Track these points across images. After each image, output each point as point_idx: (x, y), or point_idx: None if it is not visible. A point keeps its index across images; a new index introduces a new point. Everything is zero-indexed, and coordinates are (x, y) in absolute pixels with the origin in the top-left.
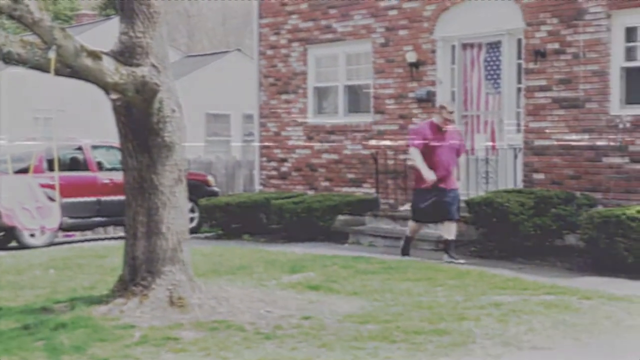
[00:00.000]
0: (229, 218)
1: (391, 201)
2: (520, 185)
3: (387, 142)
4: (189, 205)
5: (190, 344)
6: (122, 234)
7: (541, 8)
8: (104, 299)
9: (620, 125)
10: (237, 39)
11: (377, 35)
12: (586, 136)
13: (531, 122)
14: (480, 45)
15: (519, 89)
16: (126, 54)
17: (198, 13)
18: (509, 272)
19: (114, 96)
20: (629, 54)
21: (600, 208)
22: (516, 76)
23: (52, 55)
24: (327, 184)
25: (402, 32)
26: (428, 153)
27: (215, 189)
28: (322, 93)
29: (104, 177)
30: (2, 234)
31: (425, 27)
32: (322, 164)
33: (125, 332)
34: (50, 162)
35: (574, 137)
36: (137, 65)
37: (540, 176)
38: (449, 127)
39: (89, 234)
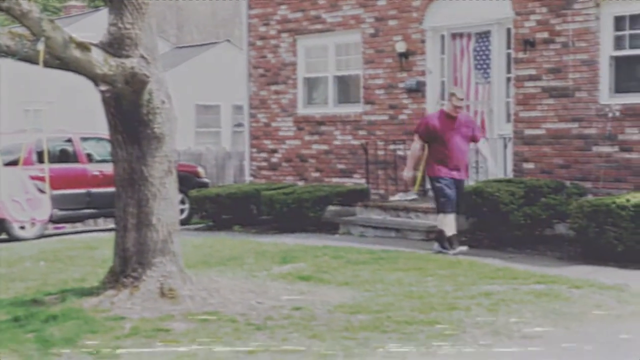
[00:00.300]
0: (220, 209)
1: (381, 191)
2: (510, 174)
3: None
4: (179, 196)
5: (181, 335)
6: (112, 225)
7: None
8: (95, 291)
9: (610, 114)
10: (227, 30)
11: (367, 26)
12: (576, 125)
13: (521, 111)
14: (469, 35)
15: (508, 79)
16: (115, 45)
17: (187, 4)
18: (499, 262)
19: (103, 87)
20: (618, 42)
21: (590, 197)
22: (505, 66)
23: (40, 46)
24: (317, 174)
25: (391, 22)
26: (439, 142)
27: (206, 180)
28: (311, 84)
29: (93, 169)
30: None
31: (415, 17)
32: (312, 154)
33: (115, 324)
34: (40, 154)
35: (563, 125)
36: (126, 56)
37: (530, 165)
38: (460, 115)
39: (79, 226)
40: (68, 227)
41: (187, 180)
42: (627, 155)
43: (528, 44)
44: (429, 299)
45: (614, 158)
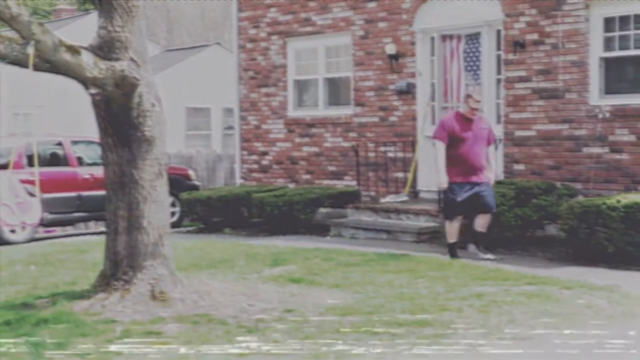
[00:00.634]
0: (210, 212)
1: (372, 193)
2: (500, 176)
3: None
4: (170, 199)
5: (173, 338)
6: (103, 228)
7: None
8: (86, 294)
9: (600, 115)
10: (217, 33)
11: (357, 28)
12: (566, 126)
13: (511, 113)
14: (459, 37)
15: (498, 80)
16: (105, 49)
17: (177, 7)
18: (490, 263)
19: (93, 91)
20: (608, 44)
21: (580, 198)
22: (495, 67)
23: (30, 50)
24: (308, 176)
25: (381, 25)
26: (456, 145)
27: (196, 182)
28: (302, 86)
29: (84, 172)
30: None
31: (405, 19)
32: (303, 156)
33: (107, 327)
34: (30, 158)
35: (553, 127)
36: (116, 59)
37: (521, 167)
38: (476, 116)
39: (69, 229)
40: (59, 230)
41: (178, 183)
42: (617, 156)
43: (518, 45)
44: (420, 301)
45: (604, 159)
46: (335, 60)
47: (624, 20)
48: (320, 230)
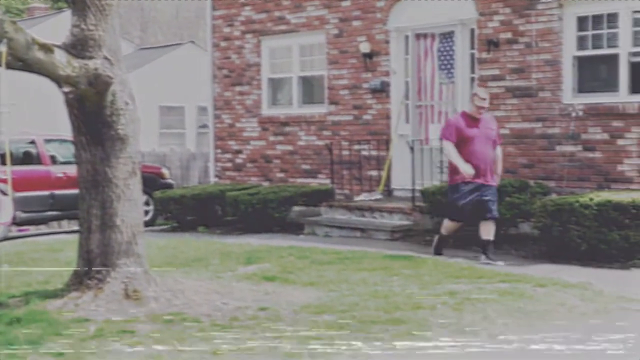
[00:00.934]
0: (184, 210)
1: (346, 191)
2: None
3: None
4: (144, 198)
5: (146, 336)
6: (76, 227)
7: None
8: (59, 293)
9: (573, 114)
10: (191, 31)
11: (331, 27)
12: (539, 125)
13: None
14: (433, 36)
15: (472, 79)
16: (78, 47)
17: (151, 5)
18: (463, 261)
19: (67, 89)
20: (581, 43)
21: (553, 196)
22: (469, 66)
23: (3, 48)
24: (282, 175)
25: (355, 23)
26: (463, 145)
27: (170, 181)
28: (276, 84)
29: (57, 170)
30: None
31: (379, 17)
32: (277, 155)
33: (80, 326)
34: (2, 156)
35: (526, 125)
36: (90, 57)
37: None
38: (483, 116)
39: (43, 228)
40: (32, 229)
41: (152, 182)
42: (590, 155)
43: (492, 44)
44: (394, 298)
45: (577, 157)
46: (310, 58)
47: (597, 19)
48: (294, 228)
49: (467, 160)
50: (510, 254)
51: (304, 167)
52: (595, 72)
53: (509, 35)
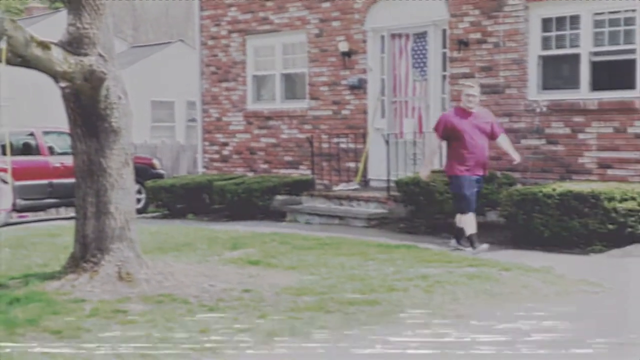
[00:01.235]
0: (174, 199)
1: (326, 182)
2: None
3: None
4: (136, 187)
5: (138, 316)
6: (72, 214)
7: (464, 0)
8: (57, 275)
9: (538, 110)
10: (180, 31)
11: (312, 27)
12: (506, 120)
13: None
14: (407, 36)
15: (444, 76)
16: (74, 44)
17: (143, 5)
18: (435, 247)
19: (63, 84)
20: (545, 43)
21: (519, 186)
22: (441, 64)
23: (3, 45)
24: (265, 166)
25: (335, 24)
26: (458, 138)
27: (161, 171)
28: (260, 81)
29: (55, 161)
30: None
31: (357, 18)
32: (261, 147)
33: (76, 306)
34: (3, 147)
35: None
36: (85, 54)
37: None
38: (477, 109)
39: (41, 215)
40: (31, 215)
41: (144, 172)
42: (553, 148)
43: (462, 43)
44: (370, 281)
45: (541, 150)
46: (292, 57)
47: (560, 21)
48: (277, 216)
49: (460, 153)
50: (478, 241)
51: (287, 158)
52: (558, 71)
53: (478, 35)
